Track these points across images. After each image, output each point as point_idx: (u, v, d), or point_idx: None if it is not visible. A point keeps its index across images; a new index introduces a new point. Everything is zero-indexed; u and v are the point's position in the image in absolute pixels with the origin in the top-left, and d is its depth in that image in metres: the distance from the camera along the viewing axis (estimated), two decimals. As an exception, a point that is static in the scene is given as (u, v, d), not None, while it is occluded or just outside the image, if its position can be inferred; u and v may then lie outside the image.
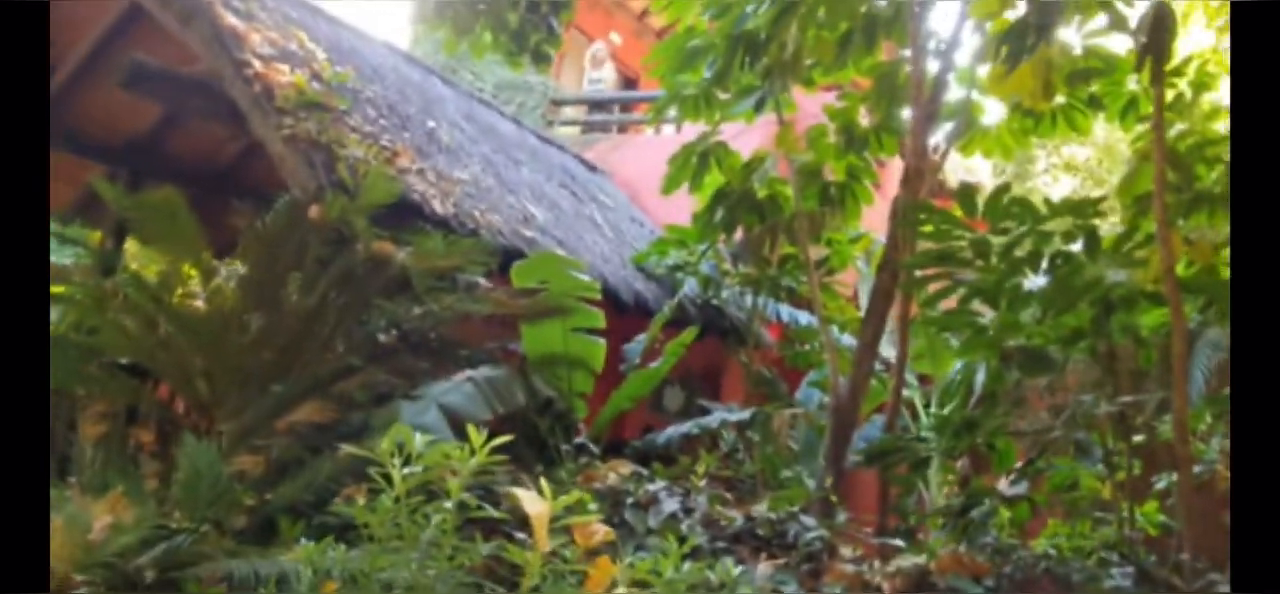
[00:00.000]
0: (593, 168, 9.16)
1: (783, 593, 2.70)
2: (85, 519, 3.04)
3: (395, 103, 5.77)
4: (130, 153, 6.26)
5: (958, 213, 4.46)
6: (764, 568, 2.96)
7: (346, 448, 2.83)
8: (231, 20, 4.41)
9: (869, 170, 6.90)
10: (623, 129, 11.15)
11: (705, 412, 7.64)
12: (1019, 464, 4.20)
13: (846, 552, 3.21)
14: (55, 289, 4.08)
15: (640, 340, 5.82)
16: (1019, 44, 3.52)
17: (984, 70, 5.77)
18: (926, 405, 7.38)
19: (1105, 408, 3.82)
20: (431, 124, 5.98)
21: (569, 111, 11.29)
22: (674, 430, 5.05)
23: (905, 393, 6.19)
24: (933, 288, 4.70)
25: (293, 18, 5.32)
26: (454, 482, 2.36)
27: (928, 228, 4.47)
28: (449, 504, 2.36)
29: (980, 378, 3.89)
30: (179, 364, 4.19)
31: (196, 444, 3.45)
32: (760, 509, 3.38)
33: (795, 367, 7.60)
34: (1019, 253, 4.22)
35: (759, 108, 5.72)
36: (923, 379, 7.22)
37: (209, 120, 5.03)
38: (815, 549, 3.10)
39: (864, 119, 6.41)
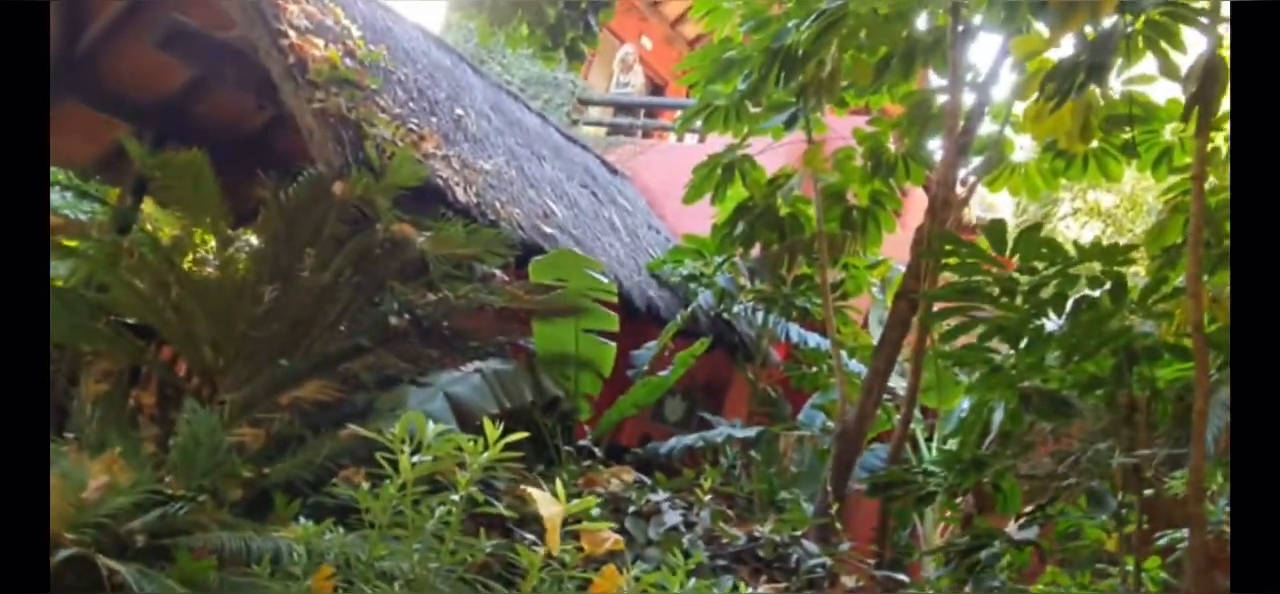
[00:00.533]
0: (614, 170, 9.12)
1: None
2: (80, 476, 3.00)
3: (424, 87, 5.74)
4: (156, 113, 6.25)
5: (985, 247, 4.40)
6: (765, 591, 2.89)
7: (353, 428, 2.77)
8: (271, -11, 4.40)
9: (893, 197, 6.84)
10: (647, 134, 11.11)
11: (707, 425, 7.59)
12: (1027, 508, 4.11)
13: (848, 582, 3.14)
14: (68, 242, 4.05)
15: (650, 347, 5.76)
16: (1067, 82, 3.44)
17: (1019, 107, 5.73)
18: (928, 438, 7.31)
19: (1121, 459, 3.74)
20: (459, 111, 5.95)
21: (594, 112, 11.26)
22: (676, 441, 4.99)
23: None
24: (951, 322, 4.63)
25: (333, -8, 5.31)
26: (463, 475, 2.30)
27: (953, 260, 4.40)
28: (456, 497, 2.30)
29: (997, 417, 3.81)
30: (187, 329, 4.16)
31: (197, 411, 3.41)
32: (762, 530, 3.31)
33: (800, 388, 7.53)
34: (1043, 294, 4.15)
35: (790, 125, 5.67)
36: (926, 411, 7.15)
37: (239, 88, 5.01)
38: (817, 576, 3.03)
39: (891, 146, 6.35)
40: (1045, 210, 10.47)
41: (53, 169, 6.92)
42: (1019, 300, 4.14)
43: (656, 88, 12.48)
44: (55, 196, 7.83)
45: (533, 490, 2.26)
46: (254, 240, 4.34)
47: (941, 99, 5.80)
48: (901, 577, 3.24)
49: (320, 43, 4.50)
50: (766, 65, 5.34)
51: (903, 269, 7.54)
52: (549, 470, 3.93)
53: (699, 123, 6.27)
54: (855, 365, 7.41)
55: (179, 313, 4.11)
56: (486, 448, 2.29)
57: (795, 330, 7.59)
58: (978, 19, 5.35)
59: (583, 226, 6.57)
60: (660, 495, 3.45)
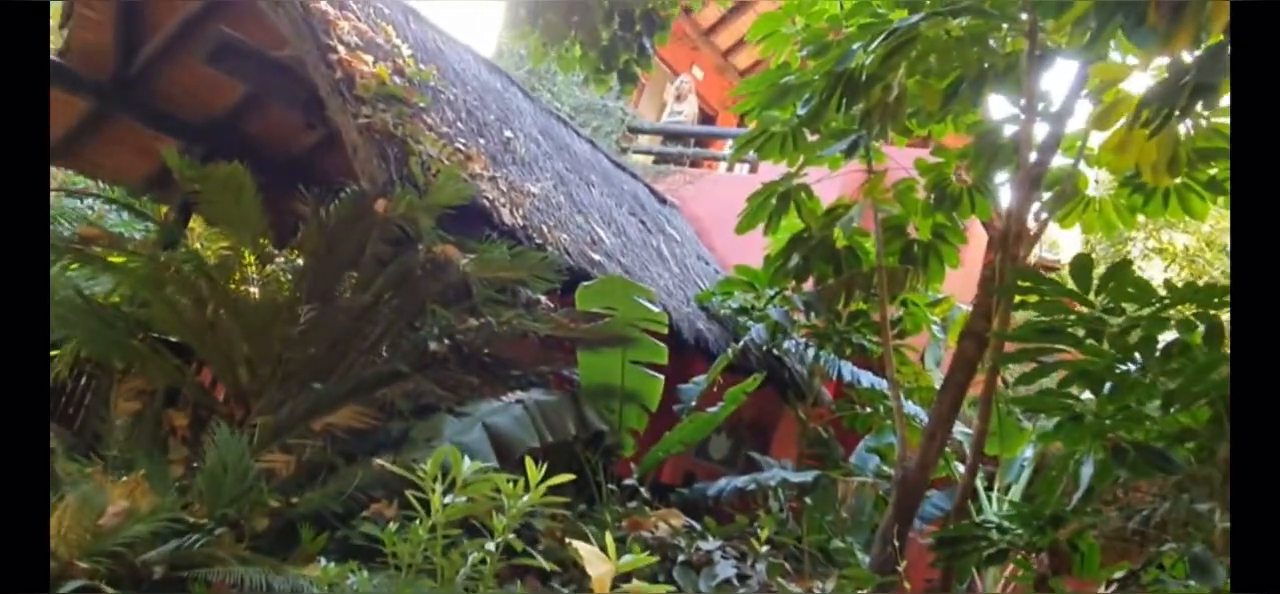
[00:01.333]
0: (663, 200, 8.93)
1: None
2: (100, 501, 2.84)
3: (474, 108, 5.62)
4: (206, 131, 6.25)
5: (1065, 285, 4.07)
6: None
7: (383, 463, 2.56)
8: (322, 4, 4.31)
9: (956, 231, 6.50)
10: (695, 164, 10.92)
11: (755, 464, 7.25)
12: (1117, 574, 3.71)
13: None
14: (115, 258, 3.96)
15: (698, 381, 5.49)
16: (1168, 106, 3.12)
17: (1094, 139, 5.38)
18: (987, 488, 6.88)
19: (1223, 523, 3.36)
20: (507, 133, 5.82)
21: (644, 141, 11.11)
22: (727, 483, 4.69)
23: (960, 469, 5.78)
24: (1025, 367, 4.29)
25: (384, 13, 5.23)
26: (500, 520, 2.07)
27: (1032, 298, 4.07)
28: (491, 545, 2.06)
29: (1087, 471, 3.45)
30: (224, 348, 4.03)
31: (227, 435, 3.25)
32: (823, 586, 3.00)
33: (852, 429, 7.17)
34: (1131, 338, 3.80)
35: (851, 153, 5.39)
36: (984, 460, 6.74)
37: (287, 104, 4.94)
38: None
39: (955, 178, 6.04)
40: (1116, 249, 9.96)
41: (105, 186, 6.98)
42: (1104, 344, 3.80)
43: (707, 118, 12.32)
44: (112, 215, 7.92)
45: (579, 544, 2.00)
46: (295, 260, 4.22)
47: (1010, 129, 5.50)
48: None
49: (369, 60, 4.39)
50: (828, 90, 5.08)
51: (965, 308, 7.23)
52: (591, 510, 3.67)
53: (753, 151, 6.03)
54: (911, 407, 7.05)
55: (216, 331, 3.99)
56: (527, 490, 2.05)
57: (848, 368, 7.25)
58: (1054, 43, 5.04)
59: (631, 255, 6.36)
60: (711, 543, 3.17)
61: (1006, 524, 3.79)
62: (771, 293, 6.81)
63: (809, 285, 6.83)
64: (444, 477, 2.13)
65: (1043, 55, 5.03)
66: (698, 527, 3.40)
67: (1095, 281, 3.83)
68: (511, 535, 2.10)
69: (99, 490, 2.92)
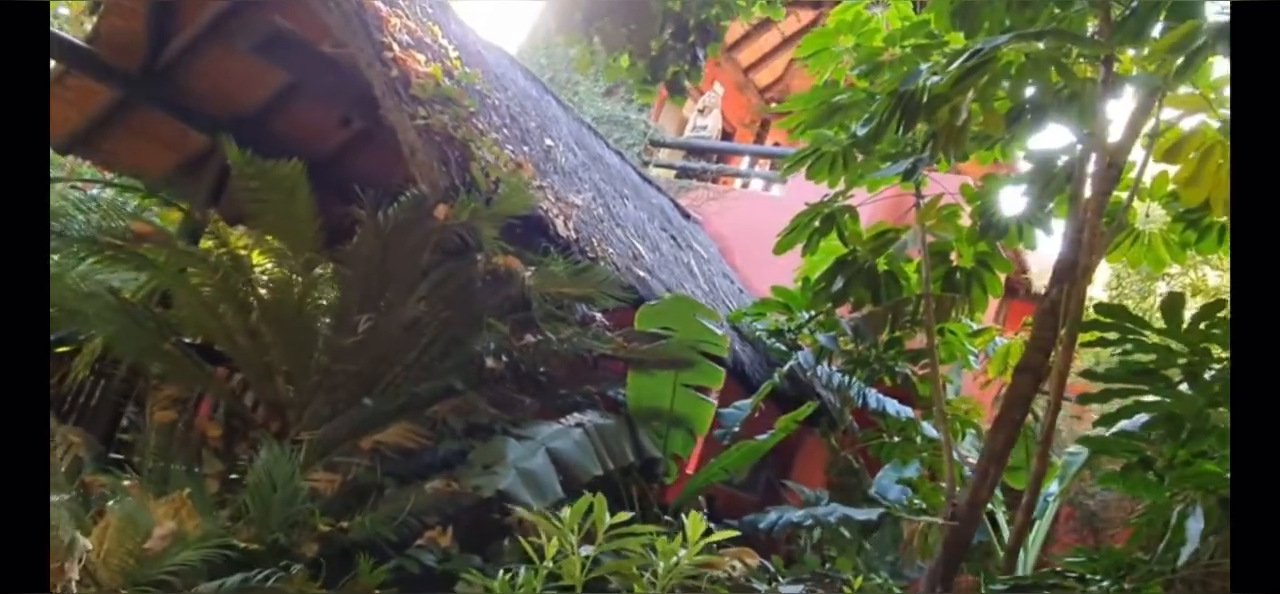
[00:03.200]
0: (687, 215, 8.75)
1: None
2: (145, 521, 2.61)
3: (516, 114, 5.43)
4: (232, 128, 5.99)
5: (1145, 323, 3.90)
6: None
7: (526, 512, 2.33)
8: (376, 1, 4.11)
9: (1000, 260, 6.35)
10: (714, 180, 10.77)
11: (776, 491, 7.05)
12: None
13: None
14: (151, 253, 3.72)
15: (741, 406, 5.28)
16: None
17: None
18: (1009, 521, 6.70)
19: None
20: (549, 142, 5.63)
21: (664, 155, 10.94)
22: (779, 515, 4.48)
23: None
24: (1096, 408, 4.12)
25: (428, 11, 5.04)
26: (645, 580, 1.85)
27: (1114, 336, 3.91)
28: None
29: (1196, 526, 3.26)
30: (260, 356, 3.80)
31: (275, 452, 3.02)
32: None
33: (878, 457, 6.98)
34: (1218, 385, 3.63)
35: (909, 175, 5.22)
36: (1007, 491, 6.59)
37: (330, 101, 4.73)
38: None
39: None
40: (1144, 285, 9.84)
41: (125, 178, 6.73)
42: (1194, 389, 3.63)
43: (725, 135, 12.17)
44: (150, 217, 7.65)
45: None
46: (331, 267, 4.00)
47: (1062, 159, 5.36)
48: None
49: (422, 59, 4.20)
50: (890, 109, 4.91)
51: (1004, 341, 7.07)
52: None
53: (803, 170, 5.85)
54: (931, 431, 6.88)
55: (253, 338, 3.76)
56: (685, 545, 1.84)
57: (874, 396, 7.08)
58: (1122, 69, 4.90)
59: (666, 271, 6.17)
60: (792, 587, 2.96)
61: (1089, 574, 3.60)
62: (806, 316, 6.63)
63: (842, 311, 6.67)
64: (582, 527, 1.91)
65: (1113, 83, 4.89)
66: (770, 567, 3.19)
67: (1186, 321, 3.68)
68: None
69: (143, 508, 2.69)
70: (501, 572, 2.08)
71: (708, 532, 1.88)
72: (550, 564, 1.92)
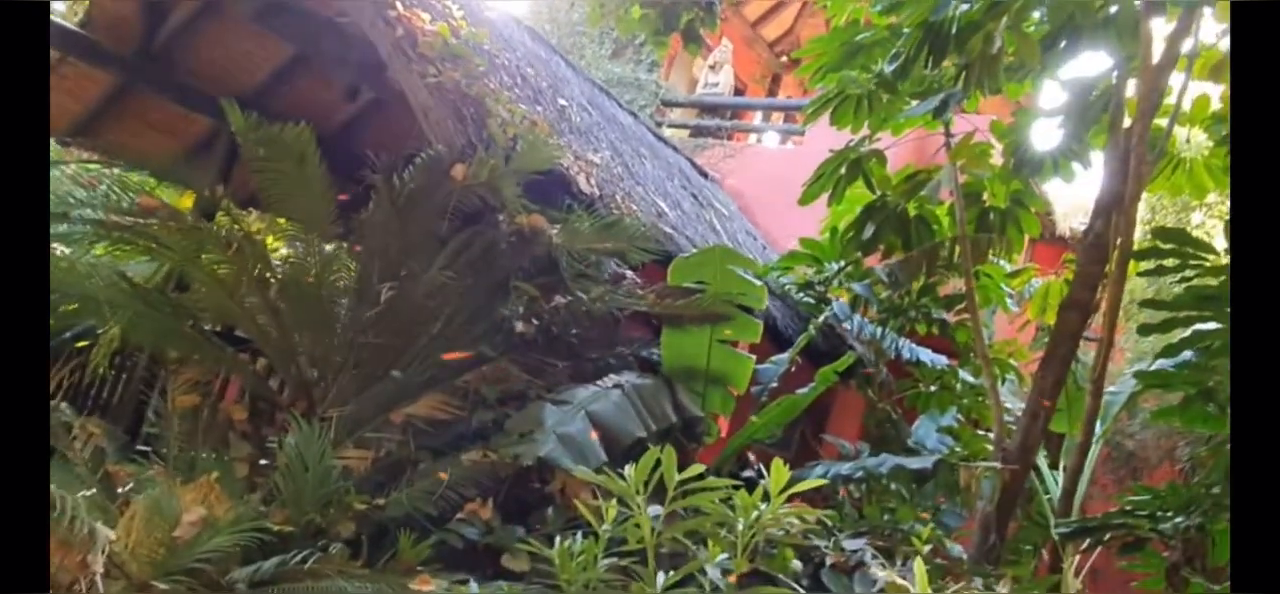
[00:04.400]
0: (705, 174, 8.54)
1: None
2: (173, 507, 2.49)
3: (527, 75, 5.23)
4: (238, 107, 5.85)
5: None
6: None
7: (585, 472, 2.18)
8: (375, -42, 3.91)
9: (1035, 197, 6.12)
10: (729, 137, 10.53)
11: (810, 446, 6.90)
12: None
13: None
14: (163, 233, 3.57)
15: (777, 360, 5.12)
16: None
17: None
18: (1052, 467, 6.54)
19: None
20: (562, 102, 5.43)
21: (677, 114, 10.70)
22: (826, 469, 4.31)
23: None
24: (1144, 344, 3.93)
25: (427, -32, 4.83)
26: (721, 537, 1.69)
27: (1172, 263, 3.70)
28: (713, 570, 1.68)
29: None
30: (282, 335, 3.66)
31: (305, 431, 2.88)
32: (997, 588, 2.64)
33: (913, 408, 6.81)
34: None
35: (941, 111, 4.99)
36: (1050, 439, 6.42)
37: (335, 68, 4.55)
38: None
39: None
40: (1180, 216, 9.55)
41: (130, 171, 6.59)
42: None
43: (737, 92, 11.89)
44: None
45: (896, 577, 1.62)
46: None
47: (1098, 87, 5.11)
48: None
49: (427, 17, 4.00)
50: (919, 42, 4.68)
51: (1040, 282, 6.85)
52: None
53: (827, 116, 5.62)
54: (969, 378, 6.71)
55: (274, 316, 3.61)
56: (767, 498, 1.68)
57: (907, 346, 6.89)
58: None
59: (690, 228, 5.98)
60: (855, 542, 2.81)
61: (1159, 510, 3.44)
62: (836, 266, 6.43)
63: (871, 260, 6.47)
64: (650, 483, 1.74)
65: (1156, 2, 4.63)
66: (827, 522, 3.04)
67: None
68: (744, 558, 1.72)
69: (170, 495, 2.56)
70: (559, 540, 1.92)
71: (790, 483, 1.72)
72: (609, 529, 1.77)
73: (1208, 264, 3.40)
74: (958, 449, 6.03)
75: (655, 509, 1.75)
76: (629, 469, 1.77)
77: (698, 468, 1.75)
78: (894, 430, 6.52)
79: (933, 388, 6.80)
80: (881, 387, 6.66)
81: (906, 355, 6.82)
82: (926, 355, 6.85)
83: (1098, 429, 6.91)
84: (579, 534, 1.86)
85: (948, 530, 4.98)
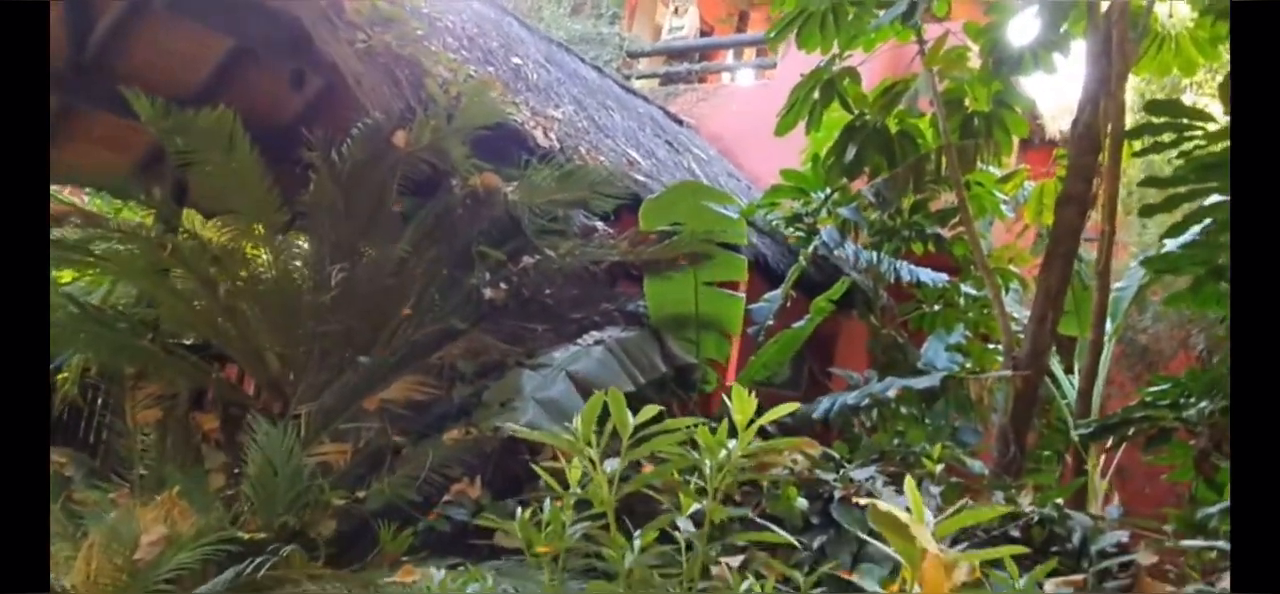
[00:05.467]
0: (680, 121, 8.29)
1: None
2: (130, 530, 2.31)
3: (474, 36, 4.98)
4: (183, 110, 5.60)
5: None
6: (1054, 589, 2.07)
7: (512, 427, 2.02)
8: (291, -72, 3.66)
9: (1020, 96, 5.90)
10: (701, 80, 10.24)
11: (819, 382, 6.75)
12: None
13: (1147, 559, 2.30)
14: (100, 246, 3.36)
15: (772, 297, 4.93)
16: None
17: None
18: (1068, 371, 6.40)
19: None
20: (516, 60, 5.19)
21: (644, 65, 10.41)
22: (832, 401, 4.15)
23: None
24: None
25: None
26: (688, 487, 1.52)
27: (1168, 137, 3.50)
28: (686, 521, 1.51)
29: None
30: (245, 336, 3.47)
31: (268, 431, 2.71)
32: (1020, 503, 2.49)
33: (920, 329, 6.66)
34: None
35: (909, 16, 4.75)
36: (1062, 344, 6.28)
37: (271, 53, 4.30)
38: (1114, 560, 2.20)
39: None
40: (1166, 95, 9.30)
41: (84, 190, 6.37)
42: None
43: (704, 35, 11.58)
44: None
45: (884, 505, 1.44)
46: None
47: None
48: (1206, 542, 2.39)
49: (354, -15, 3.75)
50: (881, -56, 4.44)
51: (1032, 184, 6.65)
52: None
53: (793, 38, 5.38)
54: (972, 291, 6.54)
55: (233, 318, 3.42)
56: (734, 433, 1.50)
57: (906, 268, 6.71)
58: None
59: (667, 176, 5.77)
60: (862, 472, 2.65)
61: (1182, 399, 3.28)
62: (822, 195, 6.23)
63: (859, 184, 6.27)
64: (598, 436, 1.56)
65: None
66: (834, 455, 2.88)
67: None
68: (717, 503, 1.55)
69: (128, 518, 2.39)
70: (520, 509, 1.75)
71: (757, 414, 1.54)
72: (577, 490, 1.60)
73: (1206, 131, 3.20)
74: (968, 365, 5.89)
75: (613, 463, 1.58)
76: (575, 421, 1.59)
77: (652, 409, 1.57)
78: (901, 355, 6.35)
79: (936, 307, 6.64)
80: (883, 311, 6.49)
81: (906, 277, 6.65)
82: (927, 275, 6.68)
83: (1108, 326, 6.79)
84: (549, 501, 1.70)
85: (966, 447, 4.84)
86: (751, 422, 1.52)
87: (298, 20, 3.59)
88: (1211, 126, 3.30)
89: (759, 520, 1.88)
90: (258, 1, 3.83)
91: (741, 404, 1.54)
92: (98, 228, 3.15)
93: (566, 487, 1.63)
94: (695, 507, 1.56)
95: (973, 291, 6.49)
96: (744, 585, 1.59)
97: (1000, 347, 5.00)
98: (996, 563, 1.81)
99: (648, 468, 1.91)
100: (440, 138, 3.04)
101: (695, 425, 1.62)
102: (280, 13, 3.68)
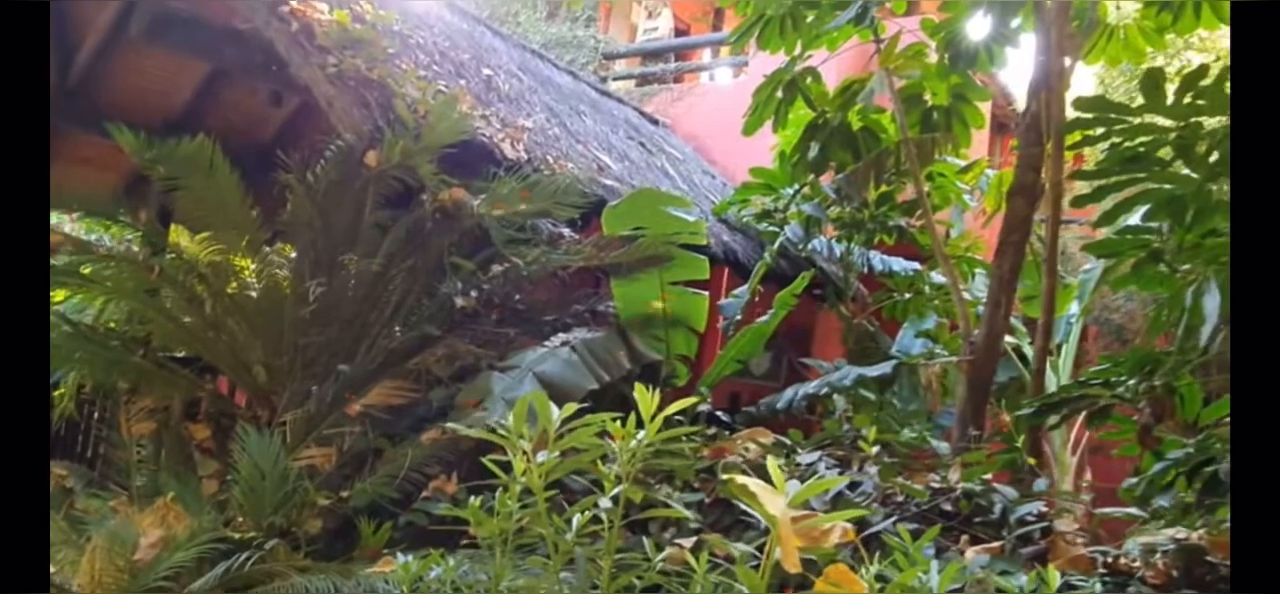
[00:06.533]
0: (655, 121, 8.48)
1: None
2: (130, 534, 2.51)
3: (446, 50, 5.16)
4: (163, 134, 5.75)
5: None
6: (974, 555, 2.29)
7: (457, 427, 2.22)
8: (263, -46, 3.82)
9: (977, 89, 6.11)
10: (677, 80, 10.42)
11: (798, 373, 6.96)
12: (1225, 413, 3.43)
13: (1064, 526, 2.53)
14: (87, 269, 3.55)
15: (740, 293, 5.14)
16: None
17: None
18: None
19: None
20: (487, 71, 5.36)
21: (621, 66, 10.59)
22: (795, 392, 4.37)
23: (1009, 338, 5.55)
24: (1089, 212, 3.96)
25: (330, -41, 4.72)
26: (609, 470, 1.73)
27: (1098, 131, 3.71)
28: (607, 502, 1.73)
29: (1212, 302, 3.12)
30: (232, 349, 3.66)
31: (256, 437, 2.90)
32: (948, 479, 2.70)
33: (892, 318, 6.88)
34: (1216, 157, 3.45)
35: (862, 18, 4.96)
36: (1028, 323, 6.51)
37: (248, 76, 4.47)
38: (1032, 527, 2.42)
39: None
40: (1129, 84, 9.54)
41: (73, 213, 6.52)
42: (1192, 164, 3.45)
43: (679, 34, 11.76)
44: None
45: (748, 480, 1.67)
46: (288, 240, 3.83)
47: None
48: (1134, 511, 2.61)
49: (324, 7, 3.93)
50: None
51: (993, 173, 6.87)
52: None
53: (754, 40, 5.57)
54: (939, 279, 6.75)
55: (220, 331, 3.61)
56: (641, 425, 1.71)
57: (878, 258, 6.93)
58: None
59: (639, 178, 5.96)
60: (810, 456, 2.86)
61: (1114, 377, 3.50)
62: (791, 191, 6.43)
63: (826, 179, 6.47)
64: (532, 430, 1.78)
65: None
66: (788, 442, 3.09)
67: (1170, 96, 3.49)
68: (629, 485, 1.77)
69: (127, 523, 2.58)
70: (471, 498, 1.96)
71: (660, 407, 1.76)
72: (522, 480, 1.81)
73: (1129, 125, 3.41)
74: (937, 350, 6.10)
75: (543, 456, 1.79)
76: (508, 416, 1.79)
77: (572, 406, 1.78)
78: (874, 343, 6.57)
79: (907, 295, 6.86)
80: (855, 301, 6.71)
81: (878, 267, 6.87)
82: (898, 264, 6.90)
83: (1076, 308, 7.01)
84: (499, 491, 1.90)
85: (941, 430, 5.05)
86: (654, 416, 1.74)
87: (271, 44, 3.76)
88: (1132, 121, 3.51)
89: (667, 501, 2.09)
90: (231, 28, 4.00)
91: (644, 401, 1.75)
92: (87, 254, 3.32)
93: (510, 474, 1.84)
94: (615, 489, 1.77)
95: (939, 279, 6.71)
96: (661, 555, 1.81)
97: (967, 332, 5.22)
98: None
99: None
100: (409, 156, 3.22)
101: (613, 419, 1.83)
102: (253, 38, 3.85)
